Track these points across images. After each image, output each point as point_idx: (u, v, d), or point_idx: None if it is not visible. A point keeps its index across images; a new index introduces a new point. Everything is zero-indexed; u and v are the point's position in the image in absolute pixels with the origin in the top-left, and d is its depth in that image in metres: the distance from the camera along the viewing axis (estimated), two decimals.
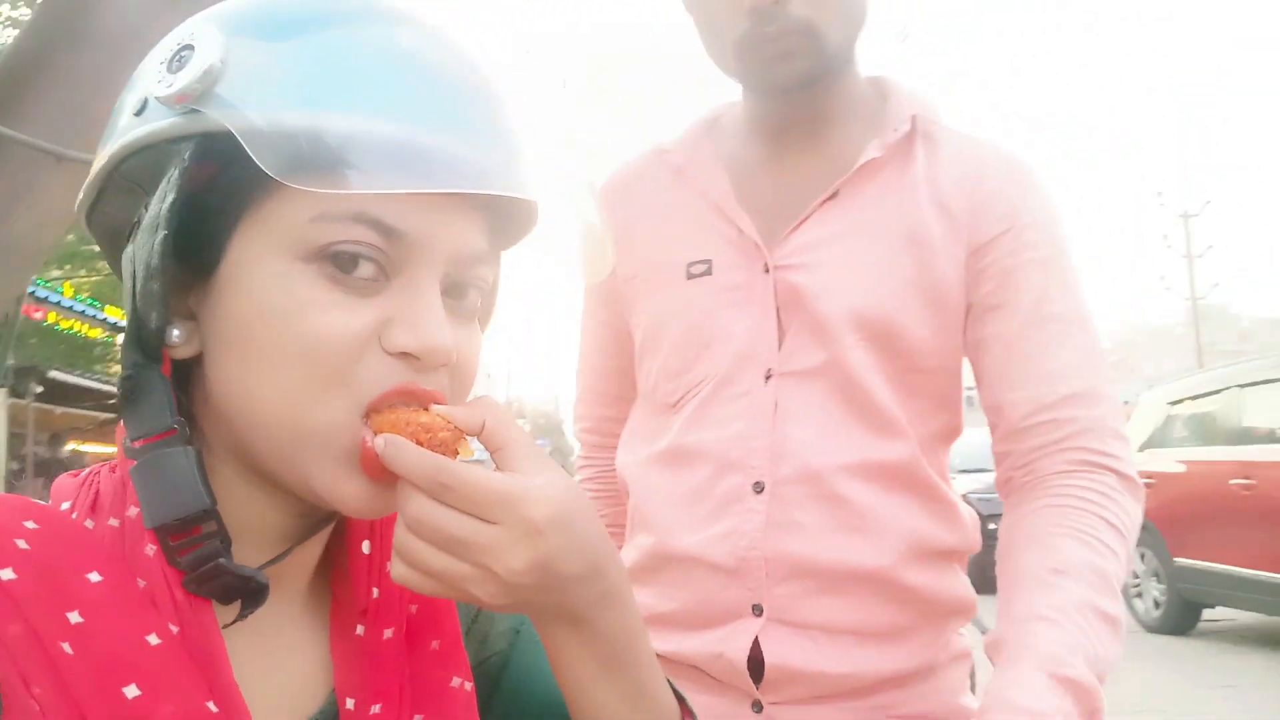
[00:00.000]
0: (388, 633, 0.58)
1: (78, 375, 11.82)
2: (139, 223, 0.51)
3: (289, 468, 0.51)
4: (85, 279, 12.93)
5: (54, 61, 1.68)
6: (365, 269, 0.49)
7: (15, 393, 10.20)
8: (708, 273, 1.09)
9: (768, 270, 1.06)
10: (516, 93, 0.55)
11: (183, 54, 0.49)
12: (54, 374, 10.91)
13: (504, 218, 0.57)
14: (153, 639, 0.47)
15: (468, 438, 0.51)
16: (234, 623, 0.50)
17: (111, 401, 11.98)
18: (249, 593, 0.50)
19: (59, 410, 11.95)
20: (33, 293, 9.74)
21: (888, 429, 1.03)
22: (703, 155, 1.15)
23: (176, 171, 0.49)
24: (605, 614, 0.52)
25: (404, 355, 0.50)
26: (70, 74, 1.69)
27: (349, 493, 0.50)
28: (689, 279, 1.09)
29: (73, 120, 1.70)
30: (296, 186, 0.46)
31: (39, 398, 10.62)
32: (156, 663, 0.46)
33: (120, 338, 0.54)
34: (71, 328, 11.59)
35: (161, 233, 0.48)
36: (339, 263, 0.49)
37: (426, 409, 0.50)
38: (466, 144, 0.50)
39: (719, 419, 1.05)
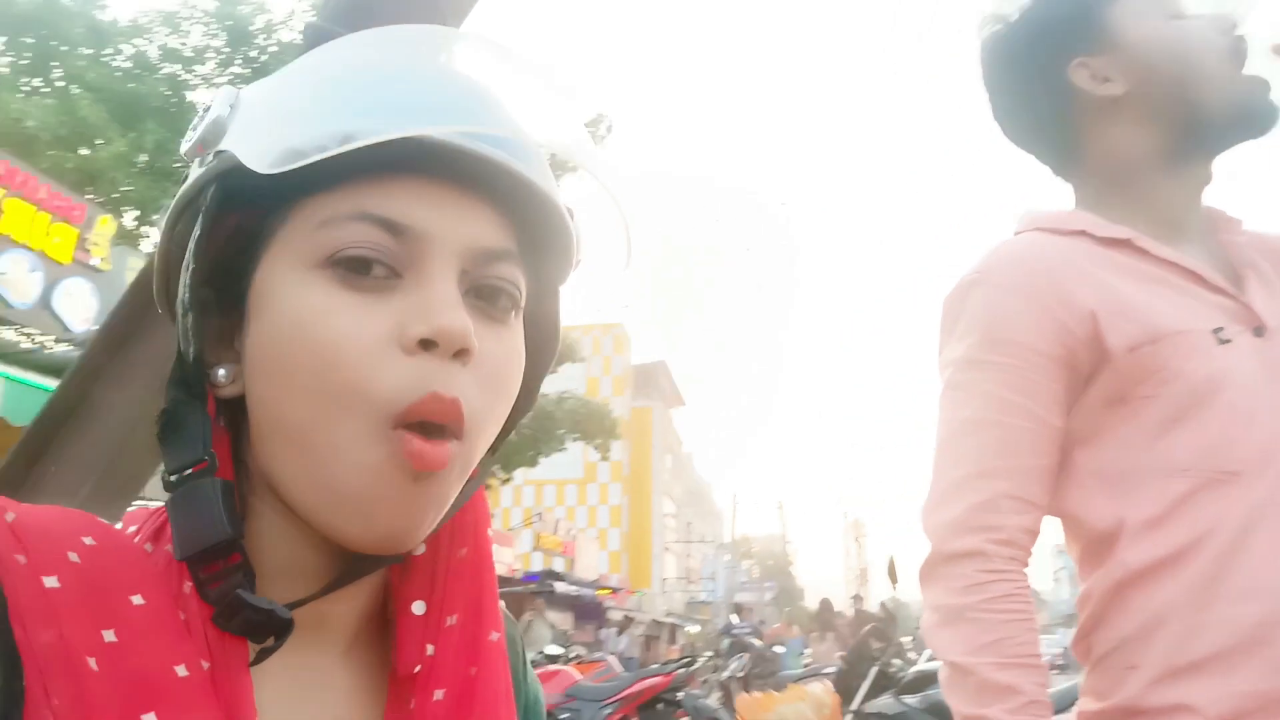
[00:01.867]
0: (438, 694, 0.54)
1: None
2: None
3: (314, 504, 0.50)
4: None
5: None
6: (377, 270, 0.49)
7: None
8: (1230, 339, 1.05)
9: (1258, 333, 1.07)
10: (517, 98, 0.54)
11: (204, 113, 0.52)
12: None
13: (521, 214, 0.55)
14: (181, 670, 0.46)
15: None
16: (257, 660, 0.49)
17: None
18: (277, 629, 0.49)
19: None
20: None
21: None
22: (1129, 229, 1.12)
23: (200, 213, 0.50)
24: None
25: (421, 349, 0.48)
26: None
27: (378, 523, 0.49)
28: (1219, 344, 1.04)
29: None
30: (279, 170, 0.47)
31: None
32: (180, 694, 0.45)
33: None
34: None
35: (190, 268, 0.50)
36: (350, 266, 0.49)
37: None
38: (441, 93, 0.52)
39: None
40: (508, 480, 21.28)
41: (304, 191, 0.50)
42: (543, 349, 0.61)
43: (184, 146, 0.53)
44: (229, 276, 0.53)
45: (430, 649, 0.55)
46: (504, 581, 20.15)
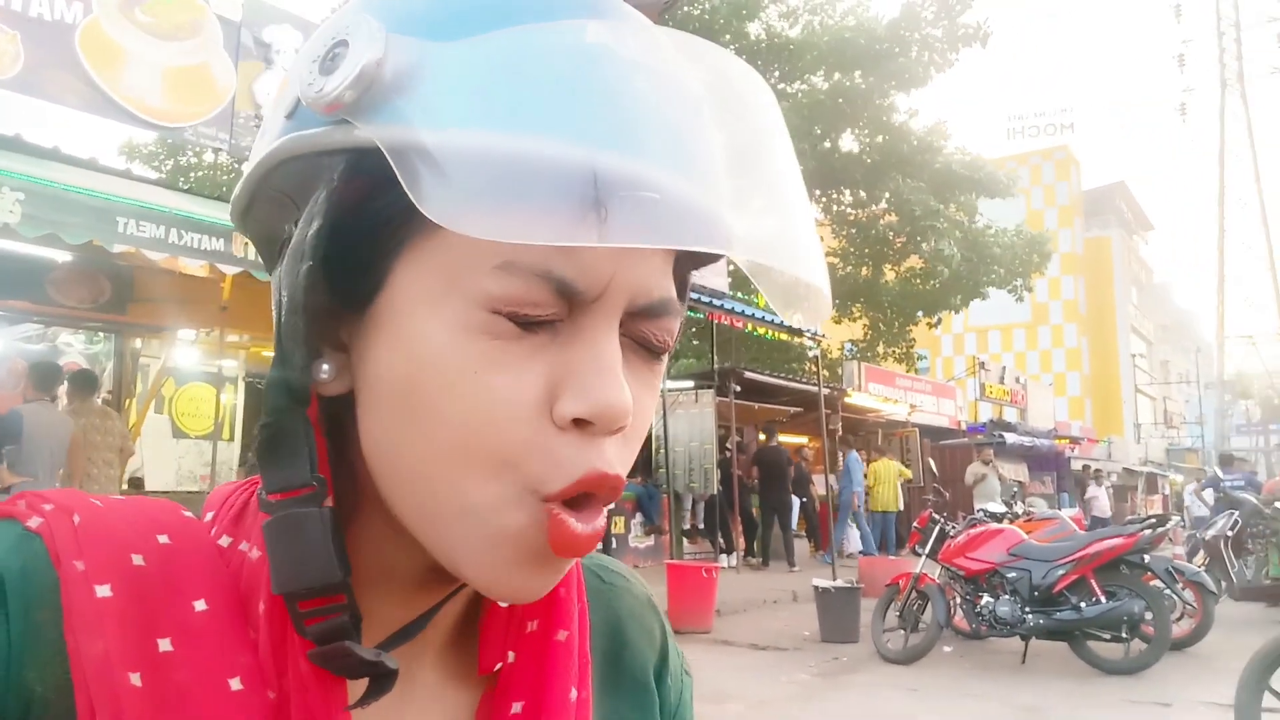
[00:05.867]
0: (516, 706, 0.52)
1: (768, 374, 14.48)
2: (287, 240, 0.46)
3: (435, 542, 0.46)
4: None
5: None
6: (541, 328, 0.43)
7: (720, 391, 12.64)
8: None
9: None
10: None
11: (336, 51, 0.41)
12: (749, 374, 13.59)
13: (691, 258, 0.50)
14: (235, 683, 0.44)
15: None
16: (355, 705, 0.47)
17: (794, 398, 14.36)
18: (376, 674, 0.46)
19: (756, 405, 14.22)
20: (730, 308, 11.78)
21: None
22: None
23: (324, 193, 0.43)
24: None
25: (572, 428, 0.43)
26: None
27: (511, 584, 0.46)
28: None
29: None
30: (493, 239, 0.38)
31: (738, 395, 13.01)
32: (229, 709, 0.44)
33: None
34: (764, 333, 13.88)
35: (306, 264, 0.43)
36: (517, 321, 0.43)
37: None
38: (692, 183, 0.41)
39: None
40: (933, 325, 20.60)
41: None
42: None
43: (305, 91, 0.42)
44: (346, 262, 0.45)
45: (511, 655, 0.54)
46: (945, 434, 19.72)
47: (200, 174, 20.38)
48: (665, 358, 0.49)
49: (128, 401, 8.89)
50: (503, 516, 0.44)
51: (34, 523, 0.46)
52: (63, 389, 6.72)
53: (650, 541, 12.27)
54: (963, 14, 16.42)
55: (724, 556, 11.87)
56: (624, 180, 0.38)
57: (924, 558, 7.52)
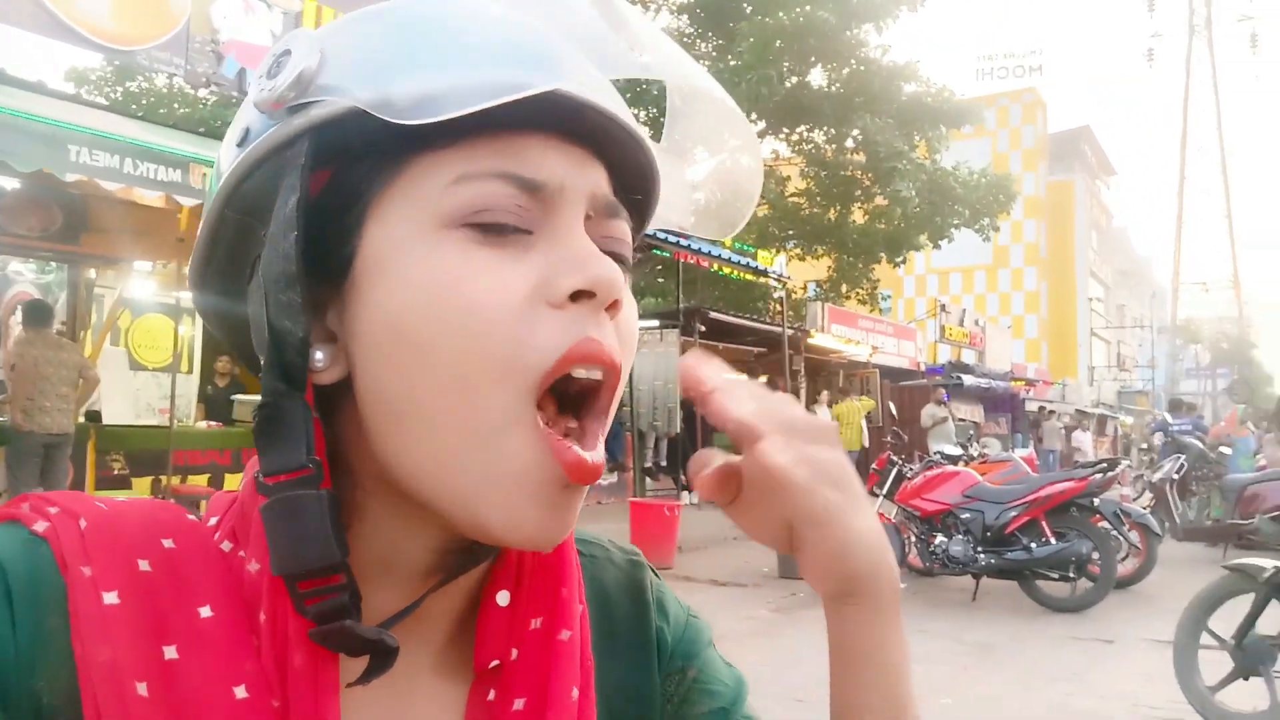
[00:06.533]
0: (518, 703, 0.53)
1: (733, 314, 14.49)
2: (257, 259, 0.47)
3: (451, 493, 0.47)
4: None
5: None
6: (512, 229, 0.47)
7: (685, 331, 12.60)
8: None
9: None
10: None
11: (280, 60, 0.47)
12: (714, 314, 13.60)
13: (617, 167, 0.53)
14: (240, 691, 0.45)
15: None
16: (355, 683, 0.47)
17: (758, 338, 14.32)
18: (377, 651, 0.47)
19: (720, 345, 14.14)
20: (695, 248, 11.58)
21: None
22: None
23: (295, 171, 0.45)
24: (886, 578, 0.51)
25: (571, 301, 0.46)
26: None
27: (527, 523, 0.47)
28: None
29: None
30: (427, 120, 0.43)
31: (703, 335, 13.03)
32: (235, 717, 0.44)
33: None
34: (730, 273, 13.85)
35: (291, 234, 0.44)
36: (485, 228, 0.46)
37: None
38: (578, 69, 0.48)
39: None
40: (898, 264, 20.69)
41: (422, 147, 0.46)
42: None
43: (257, 95, 0.47)
44: (319, 244, 0.47)
45: (514, 653, 0.54)
46: (905, 375, 19.98)
47: (151, 100, 19.71)
48: (629, 274, 0.53)
49: (83, 333, 8.71)
50: (509, 437, 0.45)
51: (40, 527, 0.46)
52: (14, 318, 6.57)
53: (614, 479, 12.41)
54: None
55: (686, 494, 12.02)
56: (536, 58, 0.47)
57: (881, 498, 7.68)
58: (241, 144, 0.48)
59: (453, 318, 0.45)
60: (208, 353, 10.07)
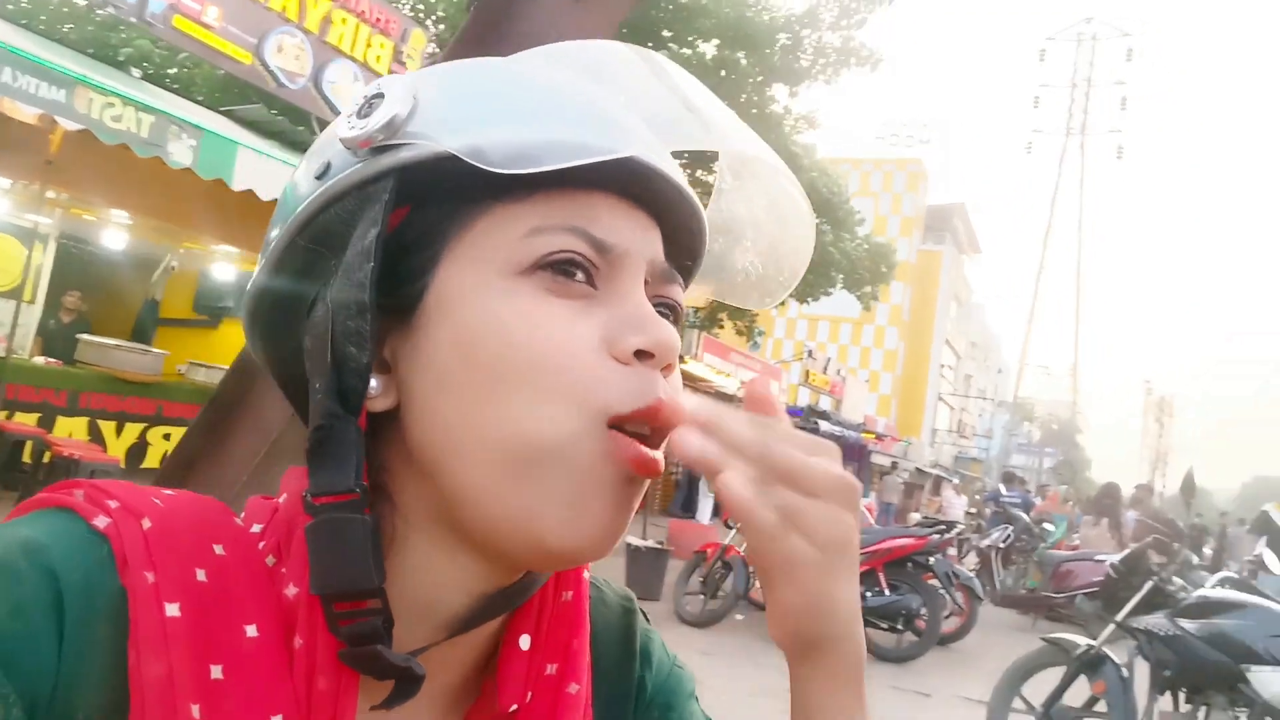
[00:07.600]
0: None
1: None
2: (327, 283, 0.49)
3: (511, 501, 0.47)
4: None
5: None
6: (581, 280, 0.49)
7: None
8: None
9: None
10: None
11: (373, 101, 0.49)
12: None
13: (672, 232, 0.56)
14: None
15: None
16: (379, 707, 0.48)
17: None
18: (403, 678, 0.48)
19: None
20: None
21: None
22: None
23: (378, 206, 0.47)
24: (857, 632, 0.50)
25: (634, 360, 0.48)
26: None
27: (587, 518, 0.47)
28: None
29: None
30: (523, 171, 0.46)
31: None
32: None
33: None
34: None
35: (368, 265, 0.46)
36: (559, 271, 0.48)
37: None
38: (637, 115, 0.53)
39: None
40: (778, 305, 21.14)
41: (498, 197, 0.49)
42: None
43: (345, 133, 0.49)
44: (388, 280, 0.49)
45: (529, 695, 0.54)
46: None
47: (44, 16, 18.26)
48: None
49: None
50: (580, 446, 0.47)
51: (101, 523, 0.45)
52: None
53: None
54: (860, 27, 16.68)
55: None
56: (608, 126, 0.50)
57: (734, 532, 7.87)
58: (321, 177, 0.50)
59: (524, 355, 0.47)
60: (55, 284, 9.39)
